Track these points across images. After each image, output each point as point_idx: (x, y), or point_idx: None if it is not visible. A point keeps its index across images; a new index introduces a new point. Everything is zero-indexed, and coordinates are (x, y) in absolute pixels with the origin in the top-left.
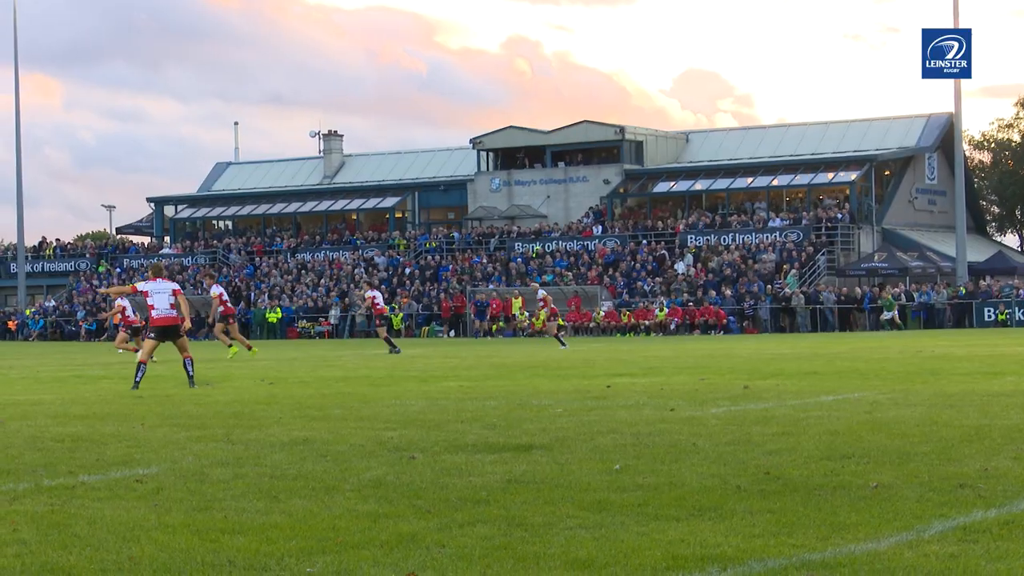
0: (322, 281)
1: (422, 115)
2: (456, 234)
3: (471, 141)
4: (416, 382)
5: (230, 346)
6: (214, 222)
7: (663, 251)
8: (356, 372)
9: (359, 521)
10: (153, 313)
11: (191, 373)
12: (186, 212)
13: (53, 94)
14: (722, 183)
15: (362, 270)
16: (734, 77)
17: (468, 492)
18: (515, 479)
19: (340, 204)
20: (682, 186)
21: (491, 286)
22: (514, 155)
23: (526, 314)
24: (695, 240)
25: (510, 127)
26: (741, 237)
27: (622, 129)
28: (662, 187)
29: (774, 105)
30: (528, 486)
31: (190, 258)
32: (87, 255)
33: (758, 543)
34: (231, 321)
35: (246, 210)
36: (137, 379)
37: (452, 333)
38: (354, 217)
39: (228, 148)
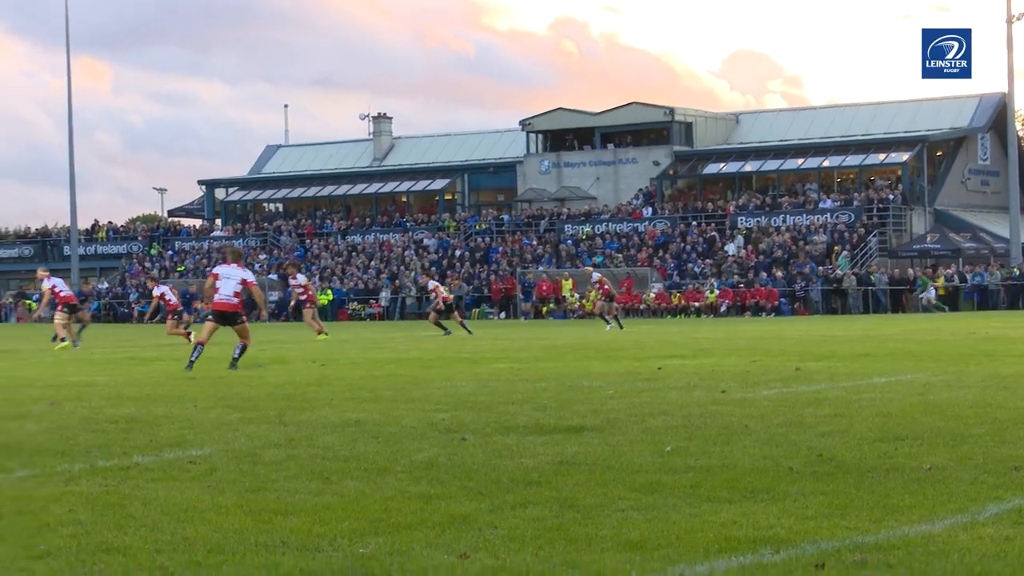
0: (372, 263)
1: (470, 97)
2: (506, 216)
3: (520, 123)
4: (467, 364)
5: (321, 332)
6: (265, 204)
7: (713, 233)
8: (407, 354)
9: (411, 502)
10: (215, 296)
11: (236, 356)
12: (237, 194)
13: (102, 78)
14: (772, 164)
15: (412, 252)
16: (783, 58)
17: (519, 474)
18: (566, 461)
19: (390, 186)
20: (732, 167)
21: (541, 268)
22: (563, 137)
23: (576, 296)
24: (745, 222)
25: (559, 109)
26: (792, 218)
27: (672, 111)
28: (712, 168)
29: (824, 86)
30: (580, 468)
31: (241, 240)
32: (139, 237)
33: (811, 525)
34: (307, 306)
35: (296, 192)
36: (192, 359)
37: (502, 315)
38: (404, 199)
39: (276, 131)
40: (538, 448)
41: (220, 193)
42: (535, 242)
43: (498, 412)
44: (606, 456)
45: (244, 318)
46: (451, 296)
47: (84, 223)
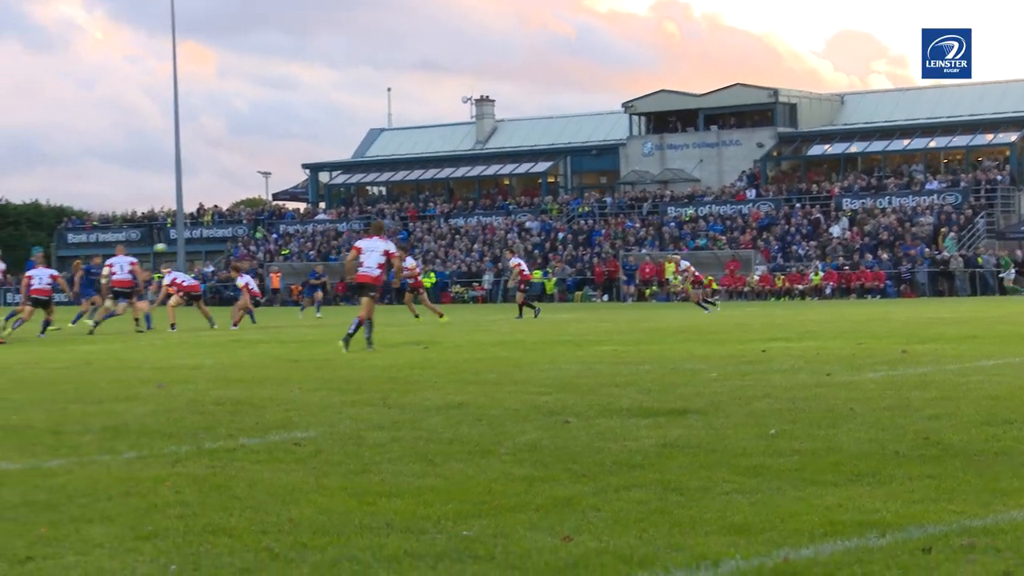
0: (475, 246)
1: (571, 79)
2: (608, 199)
3: (623, 105)
4: (570, 346)
5: (441, 315)
6: (368, 188)
7: (818, 215)
8: (510, 336)
9: (515, 484)
10: (360, 269)
11: (367, 336)
12: (340, 178)
13: (207, 62)
14: (878, 145)
15: (515, 235)
16: (887, 38)
17: (623, 456)
18: (670, 443)
19: (493, 169)
20: (837, 149)
21: (644, 251)
22: (666, 119)
23: (679, 278)
24: (850, 203)
25: (662, 91)
26: (898, 200)
27: (776, 92)
28: (816, 150)
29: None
30: (683, 451)
31: (344, 223)
32: (244, 221)
33: (917, 509)
34: (420, 291)
35: (400, 176)
36: (349, 331)
37: (605, 297)
38: (506, 182)
39: (379, 114)
40: (641, 431)
41: (324, 176)
42: (638, 224)
43: (601, 394)
44: (710, 439)
45: (377, 293)
46: (531, 276)
47: (190, 207)
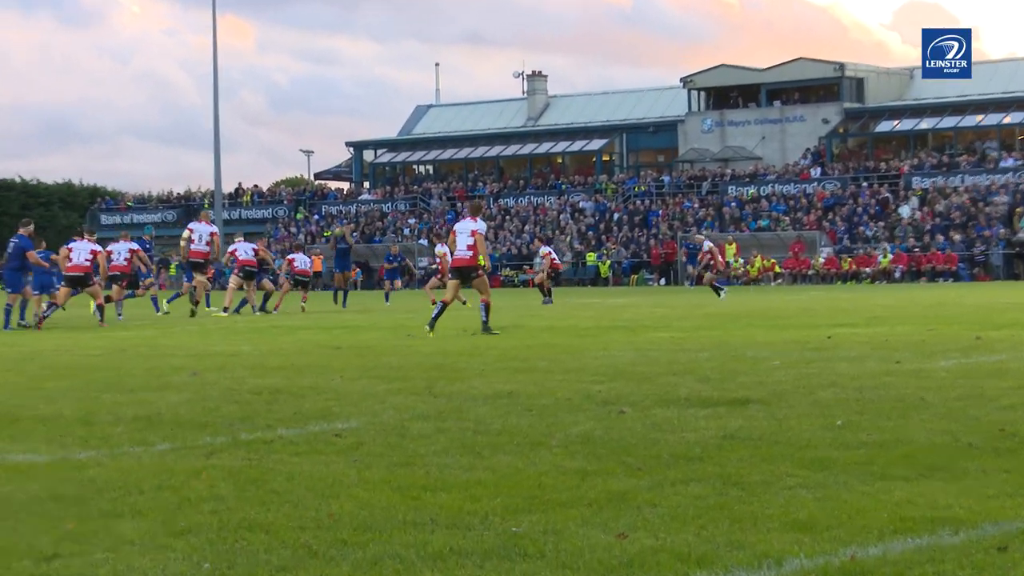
0: (526, 227)
1: (626, 53)
2: (666, 177)
3: (681, 80)
4: (625, 332)
5: (434, 302)
6: (414, 166)
7: (886, 194)
8: (562, 322)
9: (566, 478)
10: (456, 253)
11: (484, 319)
12: (386, 156)
13: (246, 36)
14: (950, 121)
15: (568, 216)
16: (957, 9)
17: (681, 449)
18: (730, 435)
19: (545, 147)
20: (906, 125)
21: (703, 232)
22: (727, 94)
23: (740, 261)
24: (921, 182)
25: (722, 65)
26: (970, 179)
27: (842, 66)
28: (885, 126)
29: (1001, 38)
30: (744, 442)
31: (390, 204)
32: (284, 201)
33: (993, 504)
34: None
35: (447, 154)
36: (434, 315)
37: (663, 281)
38: (559, 160)
39: (423, 89)
40: (700, 422)
41: (368, 155)
42: (697, 204)
43: (658, 383)
44: (772, 430)
45: (480, 272)
46: (561, 265)
47: (228, 186)
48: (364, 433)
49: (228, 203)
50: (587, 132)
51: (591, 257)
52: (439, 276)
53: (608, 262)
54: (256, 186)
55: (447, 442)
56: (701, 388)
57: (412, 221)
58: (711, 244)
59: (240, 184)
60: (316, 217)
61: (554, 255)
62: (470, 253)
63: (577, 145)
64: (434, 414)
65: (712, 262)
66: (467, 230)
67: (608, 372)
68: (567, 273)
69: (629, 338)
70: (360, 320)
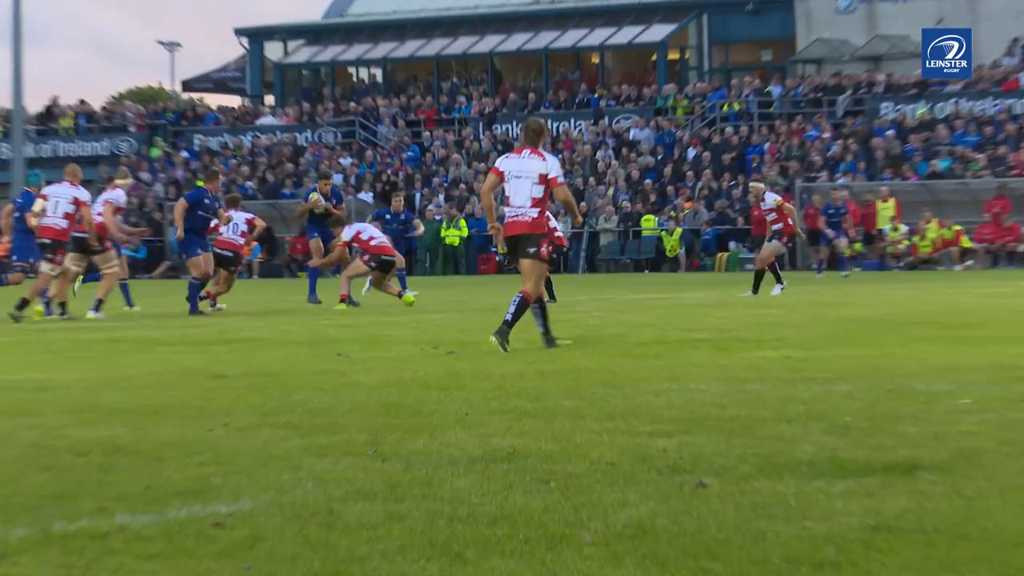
0: None
1: None
2: (776, 88)
3: None
4: (708, 349)
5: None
6: (350, 70)
7: None
8: (598, 331)
9: None
10: (507, 215)
11: (542, 328)
12: (303, 53)
13: None
14: None
15: (610, 152)
16: None
17: (802, 548)
18: (886, 525)
19: (570, 38)
20: None
21: (840, 181)
22: None
23: (903, 228)
24: None
25: None
26: None
27: None
28: None
29: None
30: (909, 537)
31: (310, 133)
32: (131, 128)
33: None
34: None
35: (405, 50)
36: (506, 319)
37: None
38: (595, 60)
39: None
40: (835, 501)
41: (273, 51)
42: (828, 135)
43: (761, 436)
44: (957, 516)
45: (544, 245)
46: (564, 240)
47: (35, 102)
48: (264, 521)
49: (36, 130)
50: (640, 12)
51: (648, 222)
52: (365, 257)
53: (678, 231)
54: (83, 102)
55: (405, 537)
56: (836, 444)
57: (347, 161)
58: (777, 197)
59: (56, 99)
60: (185, 155)
61: (554, 222)
62: (535, 212)
63: (625, 34)
64: (383, 489)
65: (782, 226)
66: (529, 172)
67: (679, 417)
68: (610, 251)
69: (714, 359)
70: (259, 328)
